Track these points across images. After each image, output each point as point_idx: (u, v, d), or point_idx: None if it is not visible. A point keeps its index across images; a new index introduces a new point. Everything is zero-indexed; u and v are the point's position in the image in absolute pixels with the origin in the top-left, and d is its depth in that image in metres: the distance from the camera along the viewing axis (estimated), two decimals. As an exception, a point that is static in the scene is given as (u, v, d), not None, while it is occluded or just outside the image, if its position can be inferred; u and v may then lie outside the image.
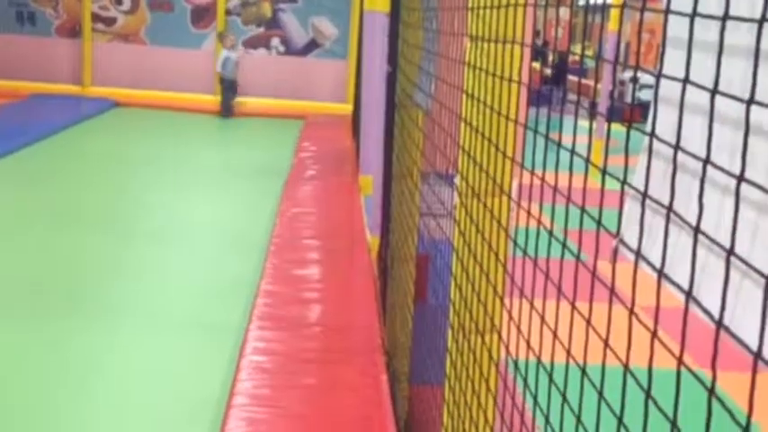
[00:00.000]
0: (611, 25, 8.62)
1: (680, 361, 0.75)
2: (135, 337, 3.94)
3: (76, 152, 8.20)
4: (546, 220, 1.33)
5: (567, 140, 1.17)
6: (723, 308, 0.65)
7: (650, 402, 0.77)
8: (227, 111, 11.09)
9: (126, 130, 9.62)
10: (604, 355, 0.95)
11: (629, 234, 0.95)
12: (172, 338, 3.95)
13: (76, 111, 10.09)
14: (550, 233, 1.20)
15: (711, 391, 0.69)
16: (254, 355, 3.40)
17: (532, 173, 1.34)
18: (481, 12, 1.77)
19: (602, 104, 9.20)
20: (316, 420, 2.93)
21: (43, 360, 3.63)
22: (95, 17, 11.67)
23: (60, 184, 6.90)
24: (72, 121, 9.50)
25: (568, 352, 1.14)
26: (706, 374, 0.67)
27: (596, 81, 1.26)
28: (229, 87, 11.13)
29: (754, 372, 0.61)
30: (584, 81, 13.54)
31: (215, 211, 6.42)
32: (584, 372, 1.11)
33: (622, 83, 12.88)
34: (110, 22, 11.82)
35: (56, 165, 7.56)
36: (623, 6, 0.99)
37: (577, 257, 1.09)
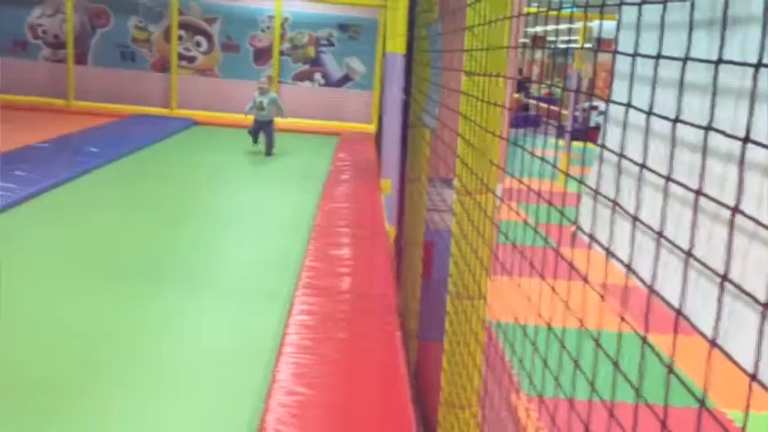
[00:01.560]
0: (576, 65, 8.54)
1: (622, 319, 0.76)
2: (207, 301, 3.94)
3: (164, 160, 8.23)
4: (524, 215, 1.34)
5: (541, 153, 1.18)
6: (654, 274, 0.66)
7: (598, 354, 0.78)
8: (268, 149, 8.77)
9: (202, 144, 9.64)
10: (565, 318, 0.96)
11: (584, 222, 0.96)
12: (236, 303, 3.95)
13: (164, 128, 10.10)
14: (525, 222, 1.21)
15: (644, 340, 0.70)
16: (299, 315, 3.41)
17: (513, 177, 1.35)
18: (474, 53, 1.77)
19: (569, 127, 9.13)
20: (347, 365, 2.95)
21: (136, 315, 3.65)
22: (180, 56, 11.71)
23: (151, 184, 6.93)
24: (161, 136, 9.52)
25: (540, 316, 1.16)
26: (646, 336, 0.68)
27: (559, 109, 1.26)
28: (261, 128, 8.69)
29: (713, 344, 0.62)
30: (555, 108, 13.45)
31: (270, 205, 6.42)
32: (549, 329, 1.12)
33: (584, 110, 12.80)
34: (191, 60, 11.85)
35: (148, 169, 7.60)
36: (582, 48, 1.00)
37: (546, 240, 1.10)
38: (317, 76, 12.01)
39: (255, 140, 8.87)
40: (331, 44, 11.91)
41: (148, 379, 2.98)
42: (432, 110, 2.78)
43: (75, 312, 3.61)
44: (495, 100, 1.56)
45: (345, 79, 12.05)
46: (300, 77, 11.99)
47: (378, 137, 8.75)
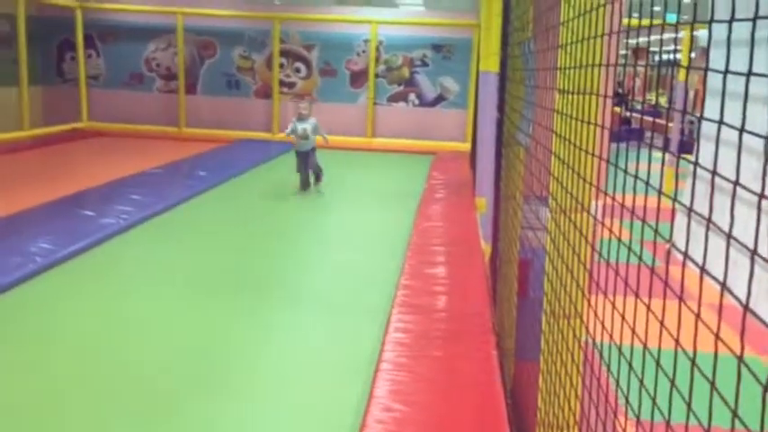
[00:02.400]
0: (680, 77, 8.19)
1: (717, 337, 0.75)
2: (305, 316, 4.05)
3: (266, 180, 8.57)
4: (621, 233, 1.33)
5: (644, 168, 1.17)
6: (749, 294, 0.66)
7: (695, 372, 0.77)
8: (303, 184, 7.69)
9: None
10: (661, 336, 0.95)
11: (679, 239, 0.95)
12: (333, 319, 4.03)
13: (267, 151, 10.50)
14: (619, 240, 1.20)
15: (740, 360, 0.69)
16: (395, 333, 3.46)
17: (607, 194, 1.34)
18: (567, 71, 1.77)
19: (674, 141, 8.74)
20: (443, 383, 2.96)
21: (239, 329, 3.80)
22: (281, 83, 12.20)
23: (253, 203, 7.23)
24: (264, 159, 9.91)
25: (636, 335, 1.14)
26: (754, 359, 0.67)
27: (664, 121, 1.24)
28: (305, 159, 7.60)
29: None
30: (660, 121, 12.92)
31: (366, 223, 6.53)
32: (646, 349, 1.11)
33: (692, 122, 12.21)
34: (291, 85, 12.32)
35: (252, 189, 7.93)
36: (688, 67, 0.99)
37: (640, 257, 1.09)
38: (412, 96, 12.16)
39: (305, 185, 7.66)
40: (425, 65, 12.04)
41: (249, 392, 3.10)
42: (525, 128, 2.78)
43: (185, 326, 3.82)
44: (590, 117, 1.55)
45: (439, 99, 12.13)
46: (395, 99, 12.18)
47: (472, 155, 8.73)
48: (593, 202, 1.70)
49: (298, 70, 12.23)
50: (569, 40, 1.75)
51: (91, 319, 3.88)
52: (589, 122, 1.52)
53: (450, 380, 2.98)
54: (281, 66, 12.12)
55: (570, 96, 1.69)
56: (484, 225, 5.44)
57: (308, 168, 7.59)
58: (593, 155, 1.50)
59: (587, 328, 1.75)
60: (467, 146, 11.21)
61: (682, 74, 8.03)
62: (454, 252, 5.07)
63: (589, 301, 1.68)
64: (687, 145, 9.92)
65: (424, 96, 12.15)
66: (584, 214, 1.61)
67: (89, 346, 3.51)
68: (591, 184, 1.61)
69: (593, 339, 1.66)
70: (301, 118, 7.40)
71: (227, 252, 5.35)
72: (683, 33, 8.10)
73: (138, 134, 11.88)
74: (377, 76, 12.02)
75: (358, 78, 12.15)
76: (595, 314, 1.52)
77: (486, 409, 2.73)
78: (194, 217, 6.47)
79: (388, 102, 12.17)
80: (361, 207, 7.31)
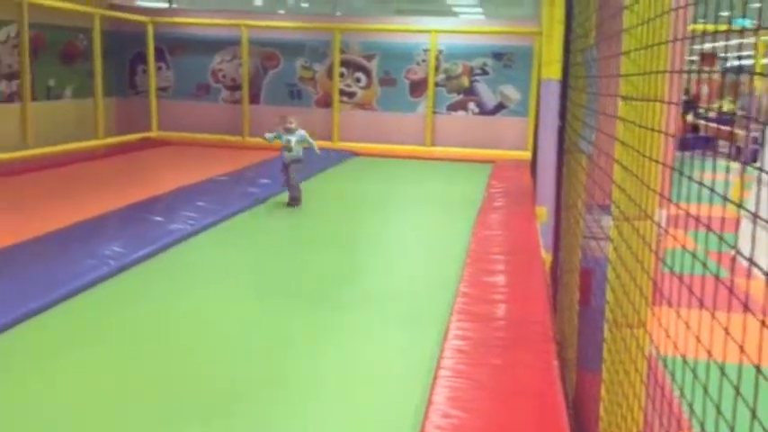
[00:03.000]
0: (757, 83, 7.88)
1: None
2: (365, 323, 4.09)
3: (327, 189, 8.70)
4: (688, 242, 1.31)
5: (711, 177, 1.15)
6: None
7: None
8: (292, 198, 7.36)
9: (361, 173, 10.06)
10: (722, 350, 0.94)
11: (743, 247, 0.94)
12: (392, 325, 4.05)
13: (328, 159, 10.62)
14: (683, 248, 1.19)
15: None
16: (454, 340, 3.46)
17: (671, 202, 1.33)
18: (631, 78, 1.76)
19: (745, 149, 8.43)
20: (502, 391, 2.95)
21: (298, 334, 3.88)
22: (341, 92, 12.37)
23: (313, 210, 7.35)
24: (325, 167, 10.05)
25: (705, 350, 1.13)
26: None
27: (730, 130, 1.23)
28: (285, 174, 7.35)
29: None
30: (727, 128, 12.46)
31: (425, 231, 6.55)
32: (710, 363, 1.09)
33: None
34: (351, 95, 12.48)
35: (312, 196, 8.05)
36: (759, 74, 0.98)
37: (709, 268, 1.08)
38: (472, 105, 12.12)
39: (293, 200, 7.33)
40: (485, 73, 12.00)
41: (309, 395, 3.16)
42: (588, 135, 2.75)
43: (249, 327, 3.93)
44: (654, 125, 1.54)
45: (500, 107, 12.06)
46: (455, 107, 12.17)
47: (533, 164, 8.64)
48: (658, 211, 1.68)
49: (358, 80, 12.38)
50: (633, 47, 1.74)
51: (159, 319, 4.03)
52: (654, 130, 1.51)
53: (510, 388, 2.96)
54: (342, 75, 12.29)
55: (634, 103, 1.68)
56: (544, 234, 5.39)
57: (291, 179, 7.28)
58: (658, 162, 1.49)
59: (651, 338, 1.72)
60: (527, 154, 11.09)
61: (759, 82, 7.74)
62: (514, 261, 5.03)
63: (653, 311, 1.66)
64: (754, 153, 9.54)
65: (484, 105, 12.10)
66: (649, 223, 1.59)
67: (158, 346, 3.65)
68: (656, 192, 1.59)
69: (658, 351, 1.64)
70: (289, 131, 7.30)
71: (288, 257, 5.46)
72: (755, 39, 7.82)
73: (204, 143, 12.25)
74: (436, 85, 12.04)
75: (417, 87, 12.20)
76: (660, 325, 1.50)
77: (547, 418, 2.71)
78: (257, 223, 6.63)
79: (447, 110, 12.17)
80: (419, 215, 7.33)
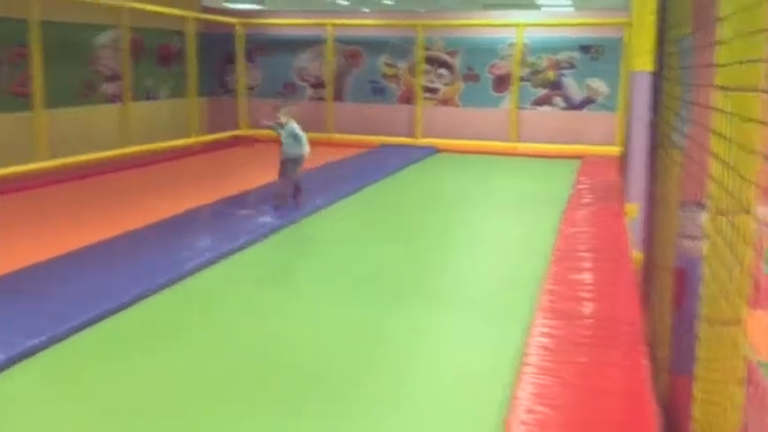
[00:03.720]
0: None
1: None
2: (449, 318, 4.11)
3: (410, 184, 8.77)
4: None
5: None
6: None
7: None
8: (278, 197, 6.66)
9: (444, 169, 10.07)
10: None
11: None
12: (476, 321, 4.06)
13: (410, 156, 10.72)
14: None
15: None
16: (539, 337, 3.43)
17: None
18: (729, 67, 1.70)
19: None
20: (588, 389, 2.91)
21: (385, 328, 3.94)
22: (424, 88, 12.39)
23: (398, 207, 7.43)
24: (407, 163, 10.13)
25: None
26: None
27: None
28: (284, 170, 6.77)
29: None
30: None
31: (509, 228, 6.50)
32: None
33: None
34: (434, 91, 12.48)
35: (396, 193, 8.16)
36: None
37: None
38: (558, 99, 11.88)
39: (279, 201, 6.59)
40: (572, 66, 11.72)
41: (393, 388, 3.22)
42: (682, 128, 2.67)
43: (336, 322, 4.03)
44: (754, 115, 1.49)
45: (587, 101, 11.75)
46: (540, 102, 11.96)
47: (622, 159, 8.38)
48: (760, 208, 1.62)
49: (441, 76, 12.37)
50: (731, 35, 1.68)
51: (248, 310, 4.20)
52: (755, 121, 1.46)
53: (597, 386, 2.92)
54: (425, 72, 12.31)
55: (732, 94, 1.63)
56: (635, 231, 5.23)
57: (285, 178, 6.72)
58: (759, 154, 1.44)
59: (751, 342, 1.66)
60: (616, 149, 10.76)
61: None
62: (602, 258, 4.92)
63: (753, 313, 1.60)
64: None
65: (571, 99, 11.82)
66: (748, 218, 1.54)
67: (248, 337, 3.80)
68: (757, 186, 1.54)
69: (758, 355, 1.58)
70: (280, 125, 6.79)
71: (372, 253, 5.55)
72: None
73: (289, 140, 12.57)
74: (521, 79, 11.87)
75: (501, 82, 12.06)
76: (761, 328, 1.45)
77: (635, 418, 2.65)
78: (341, 219, 6.76)
79: (532, 105, 11.97)
80: (504, 212, 7.27)
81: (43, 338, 3.48)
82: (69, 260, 4.81)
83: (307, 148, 6.74)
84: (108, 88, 10.54)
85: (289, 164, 6.72)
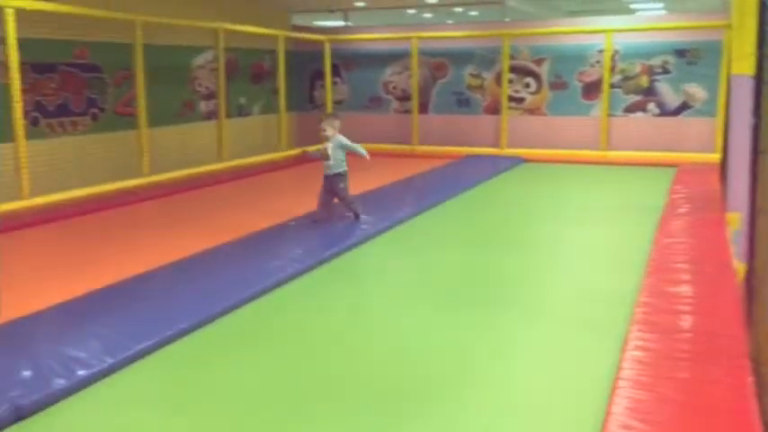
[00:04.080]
0: None
1: None
2: (536, 330, 4.04)
3: (496, 194, 8.70)
4: None
5: None
6: None
7: None
8: (317, 213, 6.65)
9: (531, 179, 9.92)
10: None
11: None
12: (565, 333, 3.97)
13: (496, 166, 10.64)
14: None
15: None
16: (634, 351, 3.34)
17: None
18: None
19: None
20: (687, 406, 2.79)
21: (471, 337, 3.92)
22: (510, 98, 12.28)
23: (484, 217, 7.38)
24: (493, 174, 10.06)
25: None
26: None
27: None
28: (331, 186, 6.59)
29: None
30: None
31: (600, 238, 6.33)
32: None
33: None
34: (520, 101, 12.35)
35: (481, 203, 8.11)
36: None
37: None
38: (651, 105, 11.47)
39: (319, 214, 6.57)
40: (666, 71, 11.31)
41: (480, 398, 3.20)
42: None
43: (419, 330, 4.06)
44: None
45: (683, 107, 11.29)
46: (632, 109, 11.60)
47: (722, 166, 8.00)
48: None
49: (527, 85, 12.23)
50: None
51: (339, 318, 4.30)
52: None
53: (697, 403, 2.80)
54: (510, 81, 12.21)
55: None
56: (737, 242, 4.98)
57: (330, 195, 6.58)
58: None
59: None
60: (715, 156, 10.28)
61: None
62: (700, 270, 4.72)
63: None
64: None
65: (666, 105, 11.39)
66: None
67: (334, 345, 3.89)
68: None
69: None
70: (325, 138, 6.61)
71: (457, 263, 5.55)
72: None
73: (375, 153, 12.71)
74: (612, 86, 11.55)
75: (591, 90, 11.79)
76: None
77: (740, 437, 2.53)
78: (428, 229, 6.80)
79: (624, 112, 11.62)
80: (594, 221, 7.09)
81: (150, 342, 3.69)
82: (177, 267, 5.09)
83: (366, 154, 6.65)
84: (204, 106, 11.07)
85: (335, 179, 6.52)
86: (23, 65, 7.45)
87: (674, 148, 11.23)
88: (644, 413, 2.70)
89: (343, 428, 2.93)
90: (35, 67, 8.15)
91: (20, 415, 2.96)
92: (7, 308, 4.23)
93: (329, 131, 6.58)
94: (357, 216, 6.65)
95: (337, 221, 6.61)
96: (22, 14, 7.20)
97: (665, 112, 11.41)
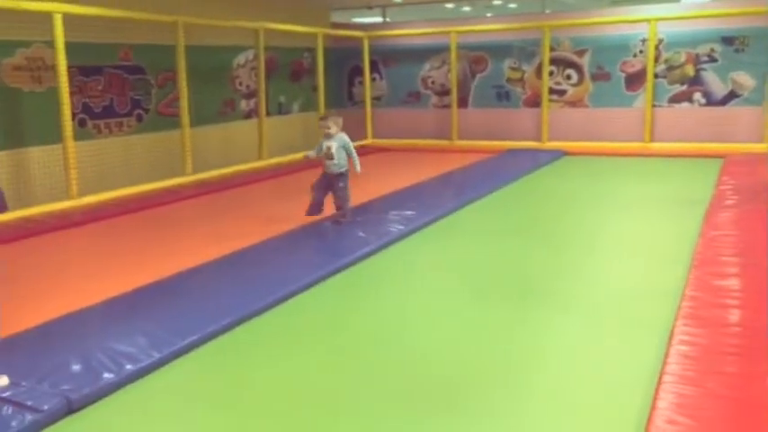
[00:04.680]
0: None
1: None
2: (579, 322, 3.99)
3: (536, 188, 8.60)
4: None
5: None
6: None
7: None
8: (311, 207, 6.52)
9: (572, 172, 9.78)
10: None
11: None
12: (609, 326, 3.91)
13: (537, 160, 10.52)
14: None
15: None
16: (680, 346, 3.27)
17: None
18: None
19: None
20: (735, 401, 2.72)
21: (511, 331, 3.89)
22: (551, 90, 12.12)
23: (524, 211, 7.32)
24: (533, 167, 9.95)
25: None
26: None
27: None
28: (329, 183, 6.42)
29: None
30: None
31: (643, 231, 6.20)
32: None
33: None
34: (561, 93, 12.18)
35: (522, 197, 8.03)
36: None
37: None
38: (697, 95, 11.18)
39: (314, 209, 6.46)
40: (713, 60, 11.00)
41: (527, 394, 3.17)
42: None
43: (460, 323, 4.05)
44: None
45: (731, 96, 10.98)
46: (677, 99, 11.32)
47: (772, 157, 7.74)
48: None
49: (568, 77, 12.05)
50: None
51: (379, 312, 4.31)
52: None
53: (746, 399, 2.73)
54: (551, 74, 12.04)
55: None
56: (788, 234, 4.83)
57: (326, 190, 6.41)
58: None
59: None
60: (764, 146, 9.97)
61: None
62: (749, 264, 4.59)
63: None
64: None
65: (712, 95, 11.09)
66: None
67: (377, 341, 3.91)
68: None
69: None
70: (328, 136, 6.30)
71: (497, 257, 5.51)
72: None
73: (415, 148, 12.75)
74: (656, 76, 11.30)
75: (634, 80, 11.55)
76: None
77: (792, 434, 2.46)
78: (468, 224, 6.77)
79: (669, 103, 11.36)
80: (638, 215, 6.96)
81: (195, 337, 3.76)
82: (221, 263, 5.18)
83: (359, 167, 6.34)
84: (245, 105, 11.21)
85: (337, 179, 6.31)
86: (71, 68, 7.67)
87: (721, 138, 10.93)
88: (691, 408, 2.64)
89: (387, 425, 2.94)
90: (82, 70, 8.38)
91: (71, 408, 3.05)
92: (57, 304, 4.37)
93: (333, 129, 6.30)
94: (344, 217, 6.37)
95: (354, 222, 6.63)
96: (68, 19, 7.41)
97: (711, 101, 11.11)
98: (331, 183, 6.39)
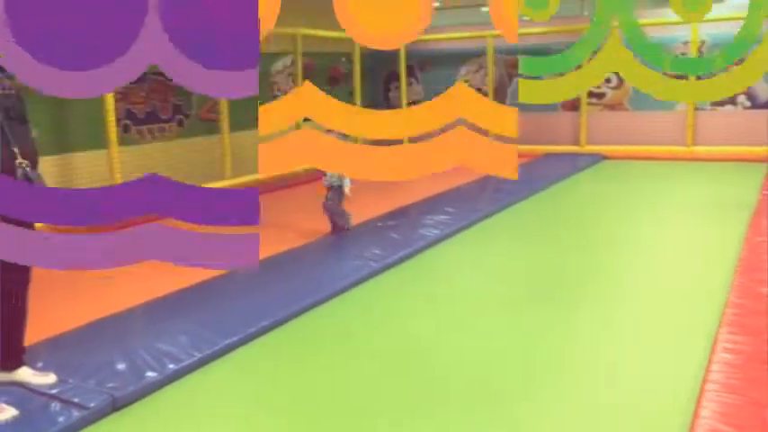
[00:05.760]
0: None
1: None
2: (619, 329, 3.94)
3: (574, 192, 8.51)
4: None
5: None
6: None
7: None
8: (336, 226, 6.39)
9: (611, 176, 9.64)
10: None
11: None
12: (650, 332, 3.86)
13: (575, 164, 10.40)
14: None
15: None
16: (723, 353, 3.21)
17: None
18: None
19: None
20: (782, 411, 2.66)
21: (552, 335, 3.86)
22: (589, 94, 11.96)
23: (562, 215, 7.24)
24: (572, 171, 9.83)
25: None
26: None
27: None
28: (337, 197, 6.30)
29: None
30: None
31: (686, 236, 6.09)
32: None
33: None
34: (600, 96, 12.01)
35: (560, 201, 7.95)
36: None
37: None
38: (742, 98, 10.91)
39: (346, 222, 6.40)
40: (757, 61, 10.72)
41: (563, 399, 3.14)
42: None
43: (497, 326, 4.03)
44: None
45: (776, 98, 10.69)
46: (721, 102, 11.06)
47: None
48: None
49: (608, 80, 11.87)
50: None
51: (414, 316, 4.32)
52: None
53: (793, 409, 2.66)
54: (590, 77, 11.88)
55: None
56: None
57: (339, 201, 6.33)
58: None
59: None
60: (813, 150, 9.68)
61: None
62: (797, 270, 4.46)
63: None
64: None
65: (757, 97, 10.81)
66: None
67: (414, 345, 3.91)
68: None
69: None
70: None
71: (536, 260, 5.47)
72: None
73: (451, 152, 12.68)
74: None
75: (676, 83, 11.31)
76: None
77: (842, 446, 2.38)
78: (506, 228, 6.72)
79: (712, 106, 11.11)
80: (679, 219, 6.82)
81: (235, 338, 3.82)
82: (261, 266, 5.24)
83: (347, 190, 6.20)
84: (283, 110, 11.33)
85: (333, 192, 6.26)
86: (116, 75, 7.85)
87: (766, 142, 10.63)
88: (734, 418, 2.58)
89: (420, 426, 2.94)
90: (126, 77, 8.58)
91: (116, 406, 3.13)
92: (102, 305, 4.48)
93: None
94: (342, 230, 6.35)
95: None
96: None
97: (756, 104, 10.82)
98: (336, 194, 6.30)
